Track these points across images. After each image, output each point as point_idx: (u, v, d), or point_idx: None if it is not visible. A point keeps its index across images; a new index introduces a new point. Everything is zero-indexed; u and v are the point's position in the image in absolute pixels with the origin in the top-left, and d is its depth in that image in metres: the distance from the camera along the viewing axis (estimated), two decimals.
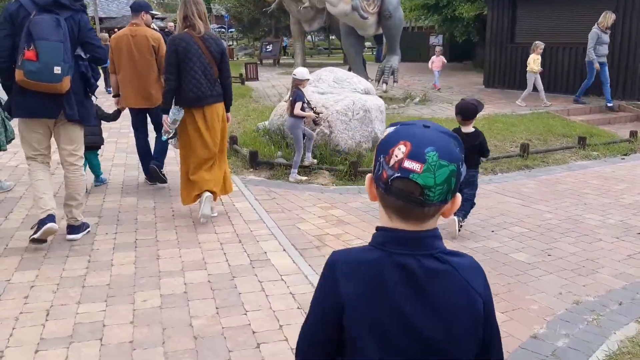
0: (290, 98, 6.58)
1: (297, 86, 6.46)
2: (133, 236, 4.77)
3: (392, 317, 1.16)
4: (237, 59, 31.56)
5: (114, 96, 6.28)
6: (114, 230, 4.92)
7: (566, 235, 5.02)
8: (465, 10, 20.20)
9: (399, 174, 1.12)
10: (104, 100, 11.77)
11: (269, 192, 6.23)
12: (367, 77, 12.17)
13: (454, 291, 1.17)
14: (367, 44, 33.30)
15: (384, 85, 12.64)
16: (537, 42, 11.76)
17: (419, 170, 1.11)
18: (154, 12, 6.40)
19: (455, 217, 4.80)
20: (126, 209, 5.50)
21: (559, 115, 10.65)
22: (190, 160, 5.00)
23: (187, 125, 4.92)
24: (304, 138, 6.65)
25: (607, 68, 11.12)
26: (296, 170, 6.68)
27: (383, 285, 1.17)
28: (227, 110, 5.16)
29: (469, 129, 4.94)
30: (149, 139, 6.36)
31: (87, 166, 6.07)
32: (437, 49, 14.88)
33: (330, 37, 41.06)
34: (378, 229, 1.24)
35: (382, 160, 1.17)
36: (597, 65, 10.93)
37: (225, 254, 4.42)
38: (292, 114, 6.52)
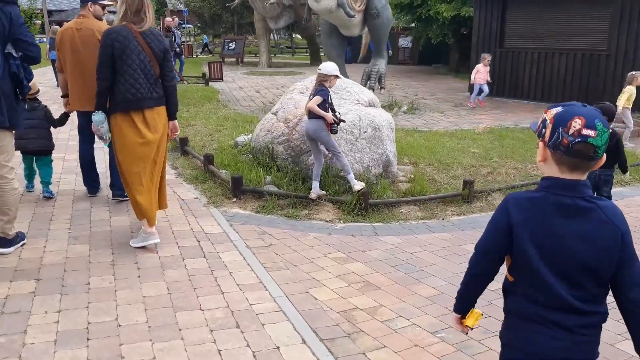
0: (311, 96, 5.40)
1: (322, 83, 5.37)
2: (84, 316, 3.34)
3: (549, 238, 1.67)
4: (196, 56, 29.82)
5: (62, 97, 5.48)
6: (57, 306, 3.47)
7: None
8: (443, 10, 19.22)
9: (579, 139, 1.60)
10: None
11: (262, 234, 4.86)
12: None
13: (597, 224, 1.65)
14: None
15: (371, 91, 11.38)
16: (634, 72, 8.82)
17: (593, 135, 1.60)
18: (105, 2, 5.05)
19: None
20: (75, 264, 4.05)
21: None
22: (133, 173, 4.32)
23: (123, 133, 4.26)
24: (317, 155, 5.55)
25: None
26: (352, 175, 5.52)
27: (544, 215, 1.68)
28: (172, 117, 4.48)
29: None
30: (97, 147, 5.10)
31: (36, 175, 5.67)
32: (486, 56, 12.42)
33: (294, 36, 39.72)
34: (543, 178, 1.73)
35: (561, 130, 1.62)
36: None
37: (219, 352, 3.04)
38: (310, 114, 5.35)
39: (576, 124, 1.60)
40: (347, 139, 5.84)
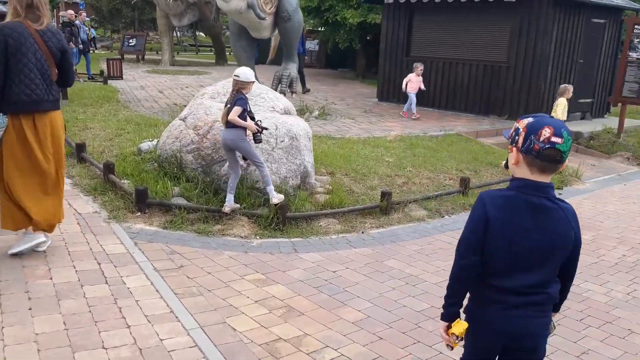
0: (229, 105, 5.00)
1: (240, 90, 4.99)
2: None
3: (518, 230, 1.97)
4: (93, 52, 28.09)
5: None
6: None
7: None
8: (350, 16, 19.37)
9: (548, 146, 1.90)
10: None
11: (171, 254, 4.44)
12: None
13: (557, 221, 1.99)
14: None
15: (283, 96, 11.12)
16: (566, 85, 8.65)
17: (560, 142, 1.90)
18: None
19: None
20: None
21: (473, 139, 9.92)
22: (16, 181, 3.99)
23: (13, 137, 3.95)
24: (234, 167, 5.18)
25: None
26: (272, 187, 5.18)
27: (514, 212, 1.98)
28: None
29: None
30: None
31: None
32: (419, 65, 11.99)
33: (198, 34, 38.61)
34: (514, 179, 2.02)
35: (532, 138, 1.92)
36: None
37: None
38: (228, 123, 4.96)
39: (546, 132, 1.91)
40: (263, 148, 5.53)
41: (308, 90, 14.30)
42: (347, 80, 21.13)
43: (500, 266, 2.00)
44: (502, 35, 11.95)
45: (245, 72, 5.02)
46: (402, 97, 13.91)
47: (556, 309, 2.18)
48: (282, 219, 5.14)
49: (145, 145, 6.73)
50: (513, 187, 2.00)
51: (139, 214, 5.22)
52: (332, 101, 13.81)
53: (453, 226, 5.71)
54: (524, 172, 1.98)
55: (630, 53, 10.49)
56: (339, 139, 8.85)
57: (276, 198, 5.16)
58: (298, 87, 11.67)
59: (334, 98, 14.42)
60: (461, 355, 2.24)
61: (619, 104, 10.88)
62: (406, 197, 6.15)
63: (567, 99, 8.25)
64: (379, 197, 5.96)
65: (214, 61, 25.01)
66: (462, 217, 6.03)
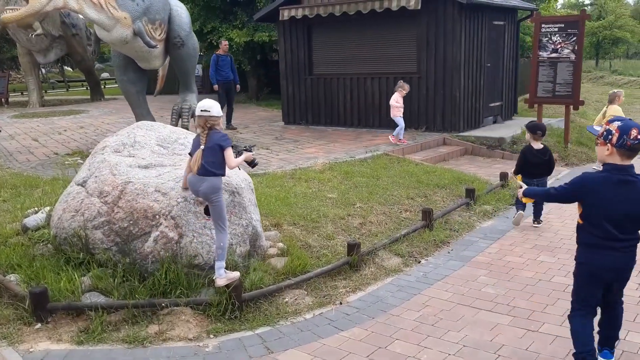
0: (204, 146, 3.98)
1: (214, 127, 4.04)
2: None
3: (609, 199, 2.92)
4: None
5: None
6: None
7: None
8: (236, 36, 18.27)
9: (637, 142, 2.86)
10: None
11: None
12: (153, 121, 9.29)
13: (637, 190, 2.91)
14: None
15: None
16: None
17: None
18: None
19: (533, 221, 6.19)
20: None
21: (403, 158, 9.20)
22: None
23: None
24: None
25: None
26: (223, 264, 4.04)
27: (606, 186, 2.93)
28: None
29: (538, 145, 6.07)
30: None
31: None
32: (404, 85, 10.44)
33: (65, 68, 35.51)
34: (606, 164, 2.97)
35: (625, 137, 2.86)
36: None
37: None
38: (204, 170, 3.96)
39: (634, 132, 2.89)
40: (196, 211, 4.30)
41: (234, 129, 12.68)
42: (241, 104, 19.95)
43: (596, 223, 3.02)
44: (410, 46, 11.45)
45: (214, 106, 4.04)
46: (313, 119, 13.05)
47: None
48: (237, 303, 3.93)
49: (32, 220, 5.19)
50: (606, 170, 3.00)
51: (39, 325, 3.78)
52: (238, 130, 12.63)
53: (436, 274, 4.80)
54: (614, 159, 2.95)
55: (540, 53, 10.35)
56: (263, 176, 7.71)
57: (224, 279, 3.96)
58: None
59: (235, 125, 13.22)
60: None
61: (535, 105, 10.71)
62: (373, 245, 5.15)
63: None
64: (341, 249, 4.94)
65: (89, 97, 22.74)
66: (441, 260, 5.15)
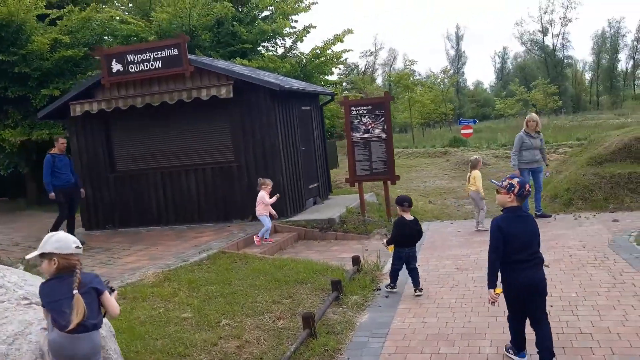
0: (77, 291, 3.14)
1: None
2: None
3: (517, 233, 4.17)
4: None
5: None
6: None
7: None
8: (9, 135, 15.98)
9: (528, 192, 4.33)
10: None
11: None
12: None
13: (531, 223, 4.28)
14: None
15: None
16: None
17: (530, 189, 4.45)
18: None
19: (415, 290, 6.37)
20: None
21: (242, 254, 8.43)
22: None
23: None
24: None
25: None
26: None
27: (512, 223, 4.19)
28: None
29: (409, 216, 6.52)
30: None
31: None
32: (266, 181, 9.46)
33: None
34: (506, 208, 4.28)
35: (523, 189, 4.24)
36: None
37: None
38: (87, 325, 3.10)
39: (527, 186, 4.23)
40: None
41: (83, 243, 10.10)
42: (21, 212, 17.30)
43: (513, 249, 4.14)
44: (225, 135, 10.99)
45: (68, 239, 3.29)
46: (120, 220, 11.58)
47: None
48: None
49: None
50: (507, 212, 4.28)
51: None
52: (30, 245, 10.59)
53: None
54: (513, 203, 4.23)
55: (353, 134, 10.69)
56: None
57: None
58: None
59: (27, 240, 11.14)
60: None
61: (355, 184, 10.93)
62: None
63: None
64: None
65: None
66: None
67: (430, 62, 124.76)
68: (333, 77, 20.52)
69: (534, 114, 10.68)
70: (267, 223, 9.40)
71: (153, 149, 11.40)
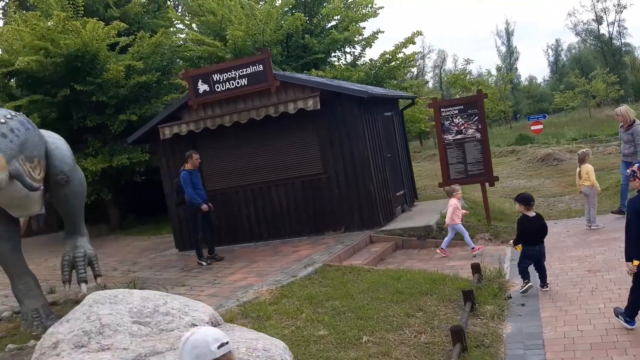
0: None
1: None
2: None
3: None
4: None
5: None
6: None
7: None
8: (90, 165, 16.37)
9: None
10: None
11: None
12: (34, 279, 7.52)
13: None
14: None
15: (84, 285, 7.85)
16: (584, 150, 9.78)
17: None
18: None
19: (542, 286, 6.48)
20: None
21: (348, 266, 8.24)
22: None
23: None
24: None
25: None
26: None
27: None
28: None
29: (532, 213, 6.59)
30: None
31: None
32: (454, 187, 9.48)
33: None
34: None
35: None
36: None
37: None
38: None
39: None
40: None
41: (219, 259, 10.27)
42: (105, 237, 17.77)
43: None
44: (311, 146, 10.88)
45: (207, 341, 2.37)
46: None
47: None
48: None
49: None
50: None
51: None
52: (129, 269, 10.77)
53: None
54: None
55: (445, 136, 10.38)
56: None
57: None
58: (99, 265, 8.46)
59: (123, 265, 11.34)
60: None
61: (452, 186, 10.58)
62: None
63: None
64: None
65: None
66: None
67: (480, 60, 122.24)
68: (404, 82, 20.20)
69: (617, 108, 9.85)
70: (464, 230, 9.03)
71: (241, 166, 11.41)
